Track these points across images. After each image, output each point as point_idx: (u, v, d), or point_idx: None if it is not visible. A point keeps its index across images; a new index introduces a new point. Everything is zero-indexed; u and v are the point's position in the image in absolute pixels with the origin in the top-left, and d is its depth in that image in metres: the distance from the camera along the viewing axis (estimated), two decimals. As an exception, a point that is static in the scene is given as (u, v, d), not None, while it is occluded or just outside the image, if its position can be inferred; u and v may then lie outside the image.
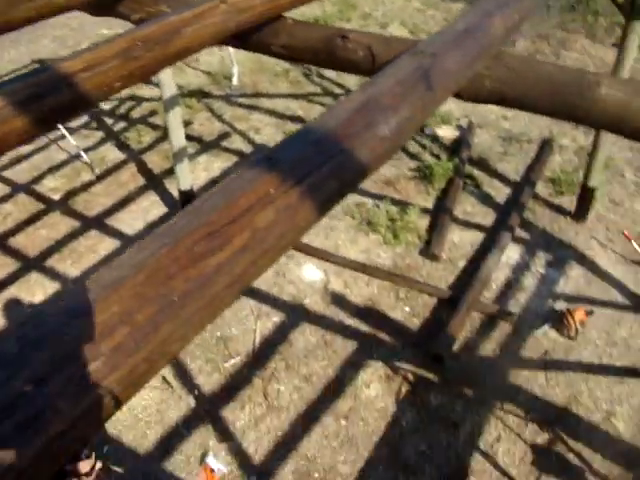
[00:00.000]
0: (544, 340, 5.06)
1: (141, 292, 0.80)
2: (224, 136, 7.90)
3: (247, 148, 7.60)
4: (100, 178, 7.16)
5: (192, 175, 6.62)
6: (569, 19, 10.55)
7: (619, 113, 1.78)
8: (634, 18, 5.19)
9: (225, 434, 4.41)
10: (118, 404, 0.77)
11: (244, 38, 2.32)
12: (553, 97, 1.84)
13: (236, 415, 4.52)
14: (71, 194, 6.91)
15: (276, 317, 5.26)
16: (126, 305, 0.78)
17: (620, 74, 5.43)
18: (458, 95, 1.92)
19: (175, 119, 6.00)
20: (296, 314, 5.28)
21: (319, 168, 1.07)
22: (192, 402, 4.62)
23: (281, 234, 0.98)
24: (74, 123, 8.17)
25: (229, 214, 0.93)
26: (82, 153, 7.39)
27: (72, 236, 6.28)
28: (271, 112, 8.36)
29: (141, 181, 7.08)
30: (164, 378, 4.76)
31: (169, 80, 5.76)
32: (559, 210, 6.47)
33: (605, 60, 9.12)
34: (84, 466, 3.98)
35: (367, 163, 1.17)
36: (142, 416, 4.54)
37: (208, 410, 4.56)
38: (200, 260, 0.87)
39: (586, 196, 6.23)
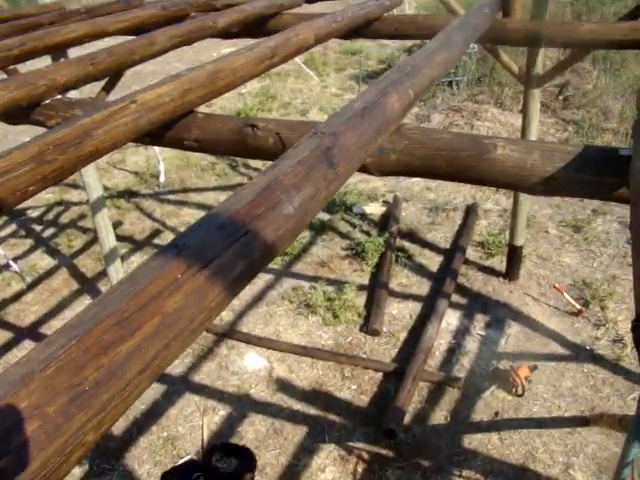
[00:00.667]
0: (493, 401, 5.10)
1: (51, 385, 0.80)
2: (155, 234, 7.89)
3: (180, 243, 7.60)
4: (31, 286, 7.01)
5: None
6: (477, 91, 11.14)
7: (516, 171, 1.89)
8: (531, 87, 5.55)
9: (180, 540, 4.22)
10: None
11: (157, 135, 2.38)
12: (454, 162, 1.95)
13: (191, 518, 4.34)
14: (1, 305, 6.73)
15: (223, 410, 5.15)
16: (36, 399, 0.78)
17: (528, 137, 5.76)
18: (366, 170, 2.01)
19: (103, 221, 5.99)
20: (243, 405, 5.18)
21: (225, 250, 1.10)
22: (143, 510, 4.43)
23: (191, 317, 1.00)
24: (1, 233, 8.05)
25: (137, 301, 0.95)
26: (11, 262, 7.25)
27: (5, 348, 6.07)
28: (201, 206, 8.43)
29: (74, 286, 6.96)
30: (112, 489, 4.57)
31: (95, 182, 5.78)
32: (491, 272, 6.65)
33: (515, 125, 9.61)
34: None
35: (274, 241, 1.21)
36: (90, 532, 4.32)
37: (161, 517, 4.37)
38: (110, 348, 0.88)
39: (514, 255, 6.44)
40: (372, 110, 1.76)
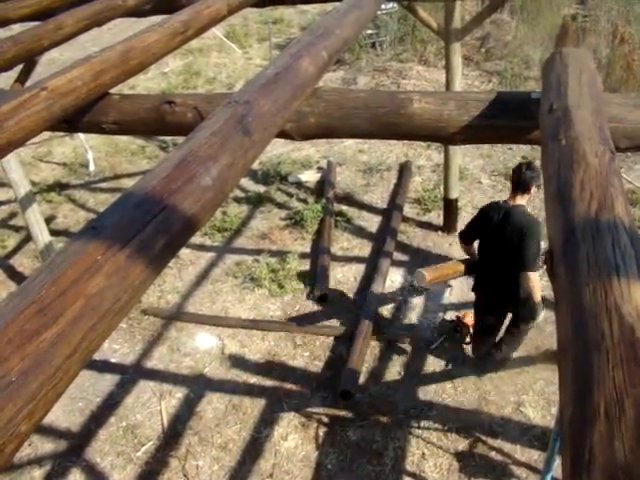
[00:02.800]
0: (443, 352, 5.22)
1: (-25, 379, 0.79)
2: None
3: (117, 231, 7.47)
4: (-33, 293, 6.80)
5: (65, 270, 6.42)
6: (401, 50, 11.19)
7: (433, 123, 1.92)
8: (451, 41, 5.61)
9: (150, 525, 4.23)
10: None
11: (73, 121, 2.32)
12: (373, 120, 1.97)
13: (158, 503, 4.35)
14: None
15: (179, 393, 5.14)
16: (-41, 394, 0.77)
17: (452, 89, 5.83)
18: (288, 135, 2.01)
19: (35, 217, 5.84)
20: (199, 385, 5.18)
21: (144, 228, 1.10)
22: (109, 501, 4.41)
23: (115, 297, 1.00)
24: None
25: (57, 288, 0.94)
26: (-57, 271, 7.01)
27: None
28: (114, 200, 8.25)
29: (13, 286, 6.79)
30: (75, 484, 4.53)
31: (21, 178, 5.62)
32: (429, 226, 6.76)
33: (440, 81, 9.68)
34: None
35: (193, 214, 1.20)
36: (57, 530, 4.29)
37: (128, 505, 4.37)
38: (33, 337, 0.87)
39: (450, 208, 6.55)
40: (286, 75, 1.76)
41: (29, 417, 0.84)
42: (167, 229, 1.13)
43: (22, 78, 5.21)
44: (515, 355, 5.08)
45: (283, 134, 1.92)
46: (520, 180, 4.25)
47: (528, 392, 4.78)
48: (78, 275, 0.98)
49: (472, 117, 1.89)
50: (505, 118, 1.90)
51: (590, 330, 0.78)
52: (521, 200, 4.33)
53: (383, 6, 10.45)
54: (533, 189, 4.28)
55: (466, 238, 4.81)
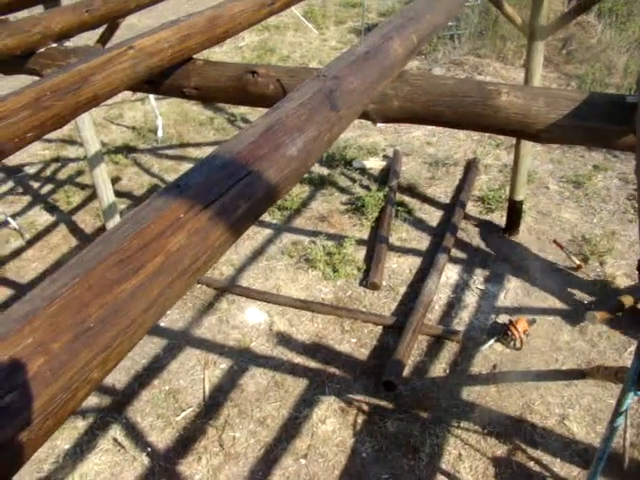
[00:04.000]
0: (491, 354, 5.14)
1: (55, 322, 0.80)
2: (154, 189, 7.85)
3: (179, 199, 7.56)
4: (31, 243, 7.00)
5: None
6: (479, 45, 10.97)
7: (521, 118, 1.86)
8: (535, 39, 5.46)
9: (183, 489, 4.30)
10: (42, 437, 0.76)
11: (155, 82, 2.34)
12: (458, 109, 1.92)
13: (193, 468, 4.41)
14: (1, 262, 6.73)
15: (224, 364, 5.20)
16: (40, 336, 0.77)
17: (531, 91, 5.68)
18: (368, 117, 1.98)
19: (102, 176, 5.95)
20: (244, 359, 5.22)
21: (227, 191, 1.09)
22: (146, 461, 4.49)
23: (194, 256, 0.99)
24: (-2, 190, 8.02)
25: (140, 241, 0.94)
26: (9, 219, 7.23)
27: (7, 305, 6.09)
28: (199, 161, 8.36)
29: (73, 242, 6.96)
30: (115, 439, 4.63)
31: (92, 138, 5.73)
32: (491, 226, 6.65)
33: (517, 80, 9.50)
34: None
35: (276, 183, 1.19)
36: (95, 482, 4.39)
37: (164, 467, 4.44)
38: (113, 287, 0.87)
39: (514, 210, 6.42)
40: (375, 54, 1.73)
41: (103, 365, 0.84)
42: (250, 194, 1.12)
43: (105, 39, 5.29)
44: (564, 367, 4.98)
45: (365, 115, 1.89)
46: None
47: (574, 406, 4.67)
48: (161, 230, 0.97)
49: (561, 115, 1.83)
50: (596, 120, 1.82)
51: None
52: None
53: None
54: None
55: None
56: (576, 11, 5.38)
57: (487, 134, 7.83)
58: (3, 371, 0.73)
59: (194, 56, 2.37)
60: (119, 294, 0.87)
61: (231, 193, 1.09)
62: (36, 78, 2.78)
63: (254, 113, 8.93)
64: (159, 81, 2.34)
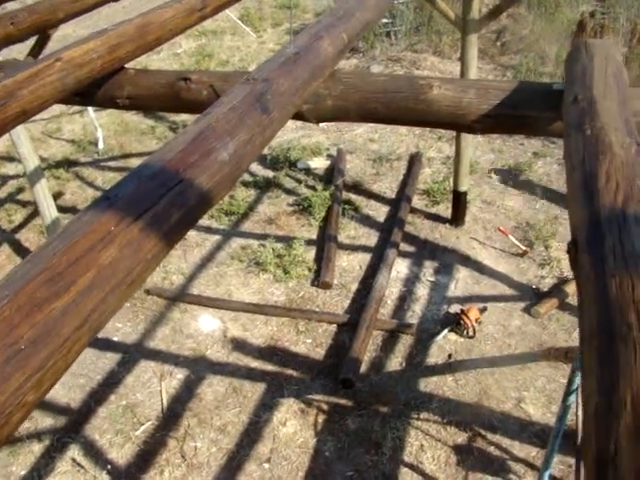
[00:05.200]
0: (446, 344, 5.20)
1: (-16, 346, 0.78)
2: (99, 202, 7.71)
3: (124, 210, 7.45)
4: (-27, 265, 6.81)
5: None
6: (416, 40, 11.10)
7: (453, 110, 1.89)
8: (468, 32, 5.56)
9: (147, 504, 4.24)
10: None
11: (87, 94, 2.30)
12: (391, 104, 1.94)
13: (156, 482, 4.36)
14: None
15: (180, 374, 5.14)
16: (-32, 360, 0.76)
17: (467, 83, 5.77)
18: (303, 117, 1.98)
19: (43, 192, 5.84)
20: (200, 367, 5.18)
21: (159, 200, 1.08)
22: (107, 479, 4.41)
23: (128, 268, 0.98)
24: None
25: (70, 256, 0.92)
26: (-51, 243, 7.02)
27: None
28: (129, 172, 8.24)
29: (18, 261, 6.79)
30: (74, 460, 4.54)
31: (30, 153, 5.61)
32: (437, 218, 6.73)
33: (454, 73, 9.62)
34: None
35: (209, 189, 1.18)
36: (55, 505, 4.30)
37: (126, 483, 4.38)
38: (44, 305, 0.85)
39: (459, 201, 6.51)
40: (305, 55, 1.73)
41: (37, 386, 0.82)
42: (182, 203, 1.11)
43: (35, 52, 5.17)
44: (517, 351, 5.08)
45: (299, 116, 1.90)
46: None
47: (529, 389, 4.76)
48: (91, 245, 0.96)
49: (492, 106, 1.86)
50: (526, 108, 1.86)
51: (616, 322, 0.77)
52: None
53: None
54: None
55: None
56: (507, 3, 5.50)
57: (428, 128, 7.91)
58: None
59: (126, 65, 2.34)
60: (50, 312, 0.85)
61: (162, 203, 1.07)
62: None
63: (191, 113, 8.84)
64: (90, 92, 2.30)
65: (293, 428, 4.62)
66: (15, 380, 0.79)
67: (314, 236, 6.62)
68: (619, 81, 1.57)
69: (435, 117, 1.91)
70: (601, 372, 0.73)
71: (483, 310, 5.37)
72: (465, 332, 5.24)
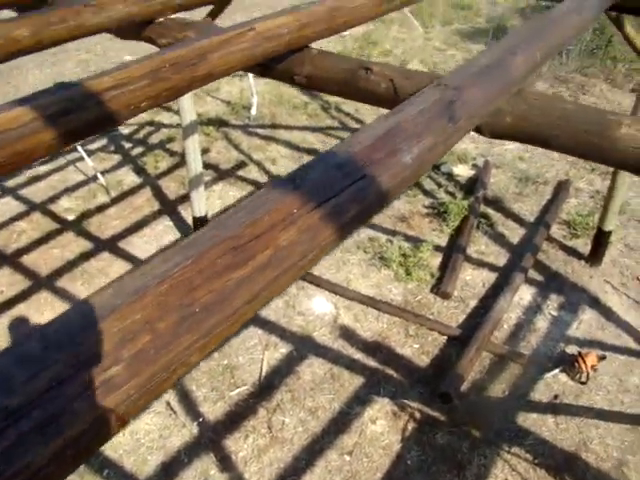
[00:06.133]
0: (554, 383, 5.00)
1: (164, 302, 0.80)
2: (240, 165, 7.96)
3: (263, 178, 7.65)
4: (115, 201, 7.22)
5: (207, 202, 6.67)
6: (588, 64, 10.62)
7: (638, 152, 1.79)
8: (654, 66, 5.24)
9: (227, 464, 4.36)
10: (134, 413, 0.77)
11: (269, 66, 2.35)
12: (573, 135, 1.85)
13: (239, 445, 4.47)
14: (85, 215, 6.96)
15: (284, 348, 5.24)
16: (148, 313, 0.78)
17: (638, 120, 5.46)
18: (479, 130, 1.94)
19: (193, 146, 6.06)
20: (304, 346, 5.25)
21: (342, 191, 1.08)
22: (195, 430, 4.58)
23: (302, 253, 0.99)
24: (92, 145, 8.28)
25: (253, 231, 0.94)
26: (99, 175, 7.47)
27: (84, 257, 6.30)
28: (288, 144, 8.43)
29: (156, 206, 7.13)
30: (168, 404, 4.74)
31: (190, 107, 5.84)
32: (573, 253, 6.45)
33: (623, 105, 9.16)
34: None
35: (388, 189, 1.17)
36: (144, 441, 4.50)
37: (211, 438, 4.52)
38: (223, 274, 0.87)
39: (601, 240, 6.21)
40: (497, 68, 1.69)
41: (202, 349, 0.85)
42: (362, 198, 1.11)
43: (214, 13, 5.36)
44: (630, 410, 4.80)
45: (475, 128, 1.85)
46: None
47: (636, 454, 4.49)
48: (273, 223, 0.98)
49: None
50: None
51: None
52: None
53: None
54: None
55: None
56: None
57: (583, 157, 7.58)
58: (111, 343, 0.74)
59: (309, 45, 2.38)
60: (227, 282, 0.87)
61: (344, 194, 1.08)
62: (152, 47, 2.84)
63: (348, 103, 8.92)
64: (272, 66, 2.35)
65: (381, 428, 4.60)
66: (185, 340, 0.81)
67: (443, 243, 6.52)
68: None
69: (619, 157, 1.81)
70: None
71: (602, 358, 5.11)
72: (578, 376, 5.01)
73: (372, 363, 5.11)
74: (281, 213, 0.99)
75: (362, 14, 2.48)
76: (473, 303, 5.75)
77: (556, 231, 6.77)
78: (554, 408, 4.81)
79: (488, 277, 6.08)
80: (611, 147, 1.80)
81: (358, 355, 5.18)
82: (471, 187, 7.46)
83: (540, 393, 4.92)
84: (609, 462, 4.42)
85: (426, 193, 7.37)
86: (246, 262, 0.90)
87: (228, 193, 7.36)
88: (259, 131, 8.81)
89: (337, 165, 1.13)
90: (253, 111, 9.15)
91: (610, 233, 6.17)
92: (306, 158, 8.04)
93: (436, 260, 6.26)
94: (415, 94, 1.43)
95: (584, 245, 6.49)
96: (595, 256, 6.27)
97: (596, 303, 5.81)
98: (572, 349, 5.25)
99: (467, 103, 1.44)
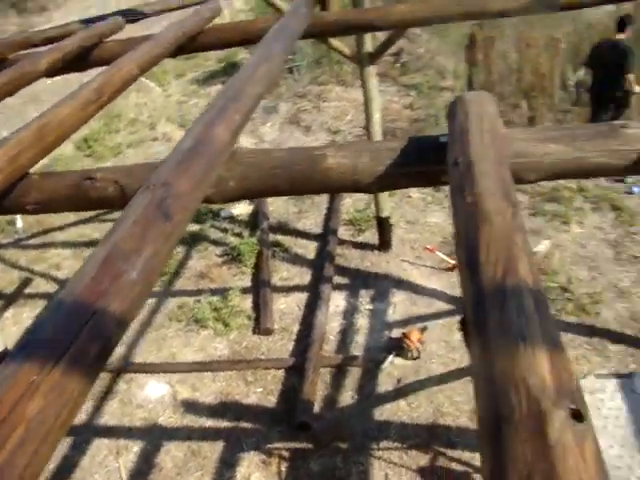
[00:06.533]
0: (393, 370, 5.28)
1: None
2: (25, 283, 7.53)
3: (53, 287, 7.30)
4: None
5: (2, 334, 6.25)
6: (319, 73, 11.32)
7: (348, 176, 1.99)
8: (365, 65, 5.74)
9: None
10: None
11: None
12: (291, 178, 2.02)
13: None
14: None
15: (136, 447, 5.06)
16: None
17: (372, 110, 5.96)
18: (209, 200, 2.04)
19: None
20: (155, 436, 5.11)
21: (77, 337, 1.11)
22: None
23: (55, 415, 1.00)
24: None
25: (-1, 413, 0.95)
26: None
27: None
28: (67, 244, 8.11)
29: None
30: None
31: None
32: (365, 246, 6.85)
33: (360, 100, 9.80)
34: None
35: (123, 312, 1.22)
36: None
37: None
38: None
39: (383, 226, 6.66)
40: (201, 147, 1.79)
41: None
42: (99, 334, 1.15)
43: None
44: (463, 364, 5.18)
45: (205, 200, 1.96)
46: (619, 23, 7.51)
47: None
48: (16, 400, 0.98)
49: (385, 166, 1.96)
50: (417, 164, 1.97)
51: (501, 403, 0.84)
52: (620, 36, 7.51)
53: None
54: (628, 30, 7.49)
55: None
56: (395, 36, 5.70)
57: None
58: None
59: (29, 171, 2.35)
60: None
61: (81, 339, 1.10)
62: None
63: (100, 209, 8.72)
64: (1, 203, 2.30)
65: (258, 480, 4.60)
66: None
67: (248, 284, 6.64)
68: (495, 136, 1.68)
69: (333, 185, 2.00)
70: (493, 457, 0.81)
71: (424, 330, 5.48)
72: (410, 354, 5.33)
73: (225, 424, 5.09)
74: (21, 385, 1.00)
75: (71, 124, 2.50)
76: (296, 328, 5.92)
77: (344, 232, 7.16)
78: (401, 392, 5.08)
79: (300, 299, 6.29)
80: (324, 179, 1.99)
81: (209, 422, 5.13)
82: (255, 222, 7.66)
83: (385, 384, 5.18)
84: (463, 416, 4.76)
85: (215, 243, 7.46)
86: (3, 446, 0.91)
87: (22, 316, 6.94)
88: (32, 242, 8.39)
89: (65, 314, 1.16)
90: (19, 224, 8.70)
91: (389, 218, 6.64)
92: (89, 252, 7.77)
93: (247, 302, 6.36)
94: (128, 204, 1.49)
95: (372, 236, 6.92)
96: (384, 242, 6.71)
97: (401, 283, 6.23)
98: (396, 333, 5.57)
99: (178, 196, 1.52)
